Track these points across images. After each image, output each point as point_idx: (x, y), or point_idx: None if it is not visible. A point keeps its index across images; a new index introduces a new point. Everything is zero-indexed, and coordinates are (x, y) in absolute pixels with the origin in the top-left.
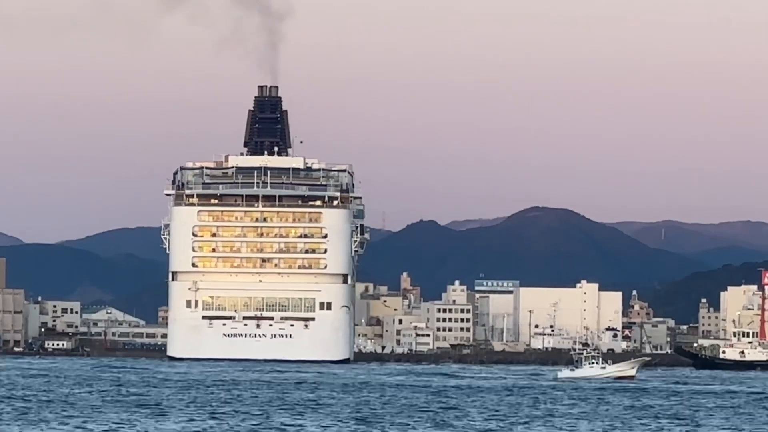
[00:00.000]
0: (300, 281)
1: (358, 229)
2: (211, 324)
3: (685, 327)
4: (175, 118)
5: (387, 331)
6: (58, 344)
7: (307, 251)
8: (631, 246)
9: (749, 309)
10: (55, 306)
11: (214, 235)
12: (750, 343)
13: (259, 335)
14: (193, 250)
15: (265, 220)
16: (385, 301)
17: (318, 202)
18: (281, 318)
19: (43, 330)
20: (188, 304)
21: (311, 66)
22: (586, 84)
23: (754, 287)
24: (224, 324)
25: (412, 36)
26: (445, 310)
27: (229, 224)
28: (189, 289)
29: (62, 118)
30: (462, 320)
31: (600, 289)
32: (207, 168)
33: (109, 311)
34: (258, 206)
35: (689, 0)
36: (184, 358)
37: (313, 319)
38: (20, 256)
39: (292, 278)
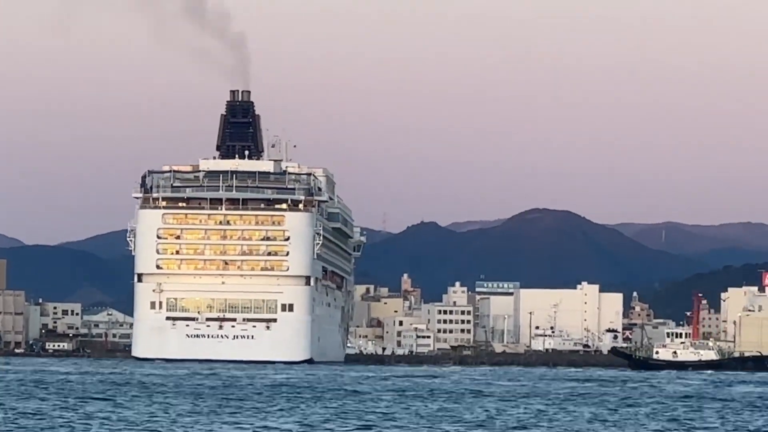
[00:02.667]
0: (262, 283)
1: (322, 231)
2: (174, 325)
3: None
4: (162, 122)
5: (387, 332)
6: (58, 346)
7: (269, 254)
8: (632, 247)
9: (750, 310)
10: (55, 307)
11: (178, 237)
12: (683, 343)
13: (222, 336)
14: (158, 253)
15: (228, 222)
16: (385, 303)
17: (283, 206)
18: (243, 319)
19: (43, 331)
20: (152, 305)
21: (304, 70)
22: (586, 86)
23: (755, 288)
24: (187, 325)
25: (408, 38)
26: (445, 312)
27: (193, 227)
28: (153, 290)
29: (64, 120)
30: (462, 322)
31: (600, 291)
32: (175, 171)
33: (109, 313)
34: (221, 209)
35: (689, 4)
36: (149, 359)
37: (275, 320)
38: (21, 258)
39: (255, 280)
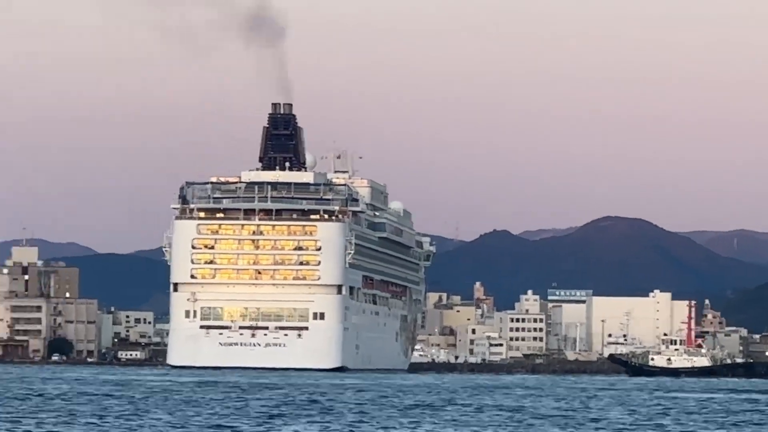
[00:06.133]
0: (294, 292)
1: (354, 240)
2: (208, 333)
3: (757, 336)
4: (219, 132)
5: (460, 340)
6: (131, 354)
7: (301, 263)
8: (704, 255)
9: None
10: (128, 316)
11: (212, 247)
12: (677, 350)
13: (254, 344)
14: (192, 263)
15: (261, 233)
16: (458, 311)
17: (316, 216)
18: (275, 328)
19: (116, 340)
20: (187, 314)
21: (359, 83)
22: (658, 93)
23: None
24: (221, 333)
25: (470, 43)
26: (518, 320)
27: (226, 237)
28: (188, 299)
29: (131, 131)
30: (535, 330)
31: (672, 299)
32: (214, 183)
33: None
34: (254, 220)
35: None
36: (183, 366)
37: (306, 328)
38: (93, 266)
39: (287, 289)
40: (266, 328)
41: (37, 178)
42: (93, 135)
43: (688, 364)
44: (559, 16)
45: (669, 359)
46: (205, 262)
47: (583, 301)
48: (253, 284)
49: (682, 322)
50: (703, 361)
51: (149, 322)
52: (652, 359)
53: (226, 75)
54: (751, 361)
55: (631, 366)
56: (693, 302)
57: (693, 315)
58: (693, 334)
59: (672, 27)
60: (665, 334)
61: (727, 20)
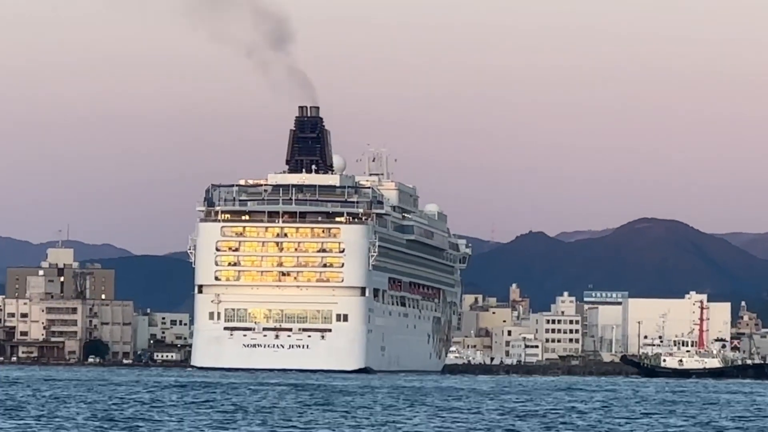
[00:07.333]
0: (317, 294)
1: (378, 242)
2: (231, 335)
3: None
4: (248, 135)
5: (496, 342)
6: (167, 356)
7: (324, 265)
8: (740, 257)
9: None
10: (164, 318)
11: (236, 249)
12: (688, 351)
13: (278, 346)
14: (216, 264)
15: (285, 235)
16: (494, 312)
17: (340, 218)
18: (299, 329)
19: (152, 342)
20: (211, 315)
21: (391, 86)
22: (693, 94)
23: None
24: (244, 335)
25: (501, 45)
26: (554, 321)
27: (250, 239)
28: (212, 301)
29: (168, 136)
30: (571, 331)
31: (708, 300)
32: (239, 186)
33: None
34: (278, 222)
35: None
36: (206, 368)
37: (330, 330)
38: (129, 268)
39: (310, 291)
40: (290, 329)
41: (73, 180)
42: (127, 137)
43: (699, 366)
44: (600, 14)
45: (680, 360)
46: (229, 264)
47: (619, 303)
48: (277, 286)
49: (694, 323)
50: (714, 363)
51: (185, 324)
52: (664, 360)
53: (253, 78)
54: (762, 362)
55: (644, 367)
56: (706, 304)
57: (705, 317)
58: (705, 335)
59: (714, 25)
60: (677, 336)
61: None
